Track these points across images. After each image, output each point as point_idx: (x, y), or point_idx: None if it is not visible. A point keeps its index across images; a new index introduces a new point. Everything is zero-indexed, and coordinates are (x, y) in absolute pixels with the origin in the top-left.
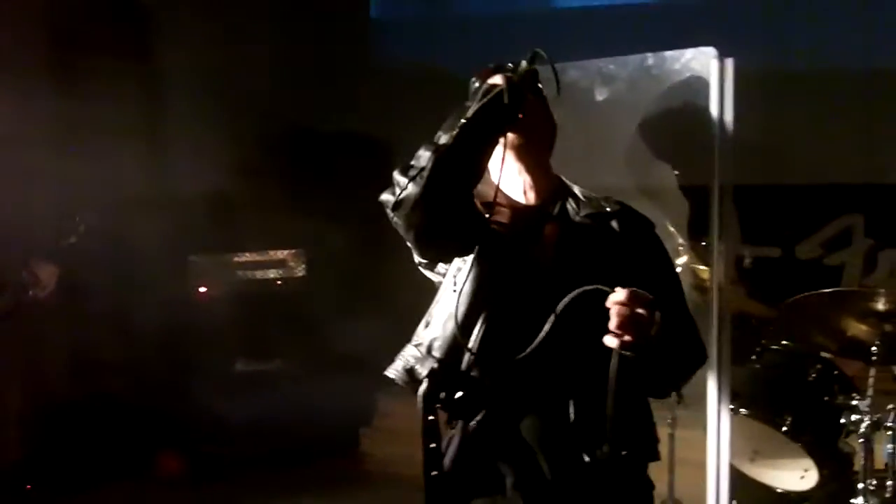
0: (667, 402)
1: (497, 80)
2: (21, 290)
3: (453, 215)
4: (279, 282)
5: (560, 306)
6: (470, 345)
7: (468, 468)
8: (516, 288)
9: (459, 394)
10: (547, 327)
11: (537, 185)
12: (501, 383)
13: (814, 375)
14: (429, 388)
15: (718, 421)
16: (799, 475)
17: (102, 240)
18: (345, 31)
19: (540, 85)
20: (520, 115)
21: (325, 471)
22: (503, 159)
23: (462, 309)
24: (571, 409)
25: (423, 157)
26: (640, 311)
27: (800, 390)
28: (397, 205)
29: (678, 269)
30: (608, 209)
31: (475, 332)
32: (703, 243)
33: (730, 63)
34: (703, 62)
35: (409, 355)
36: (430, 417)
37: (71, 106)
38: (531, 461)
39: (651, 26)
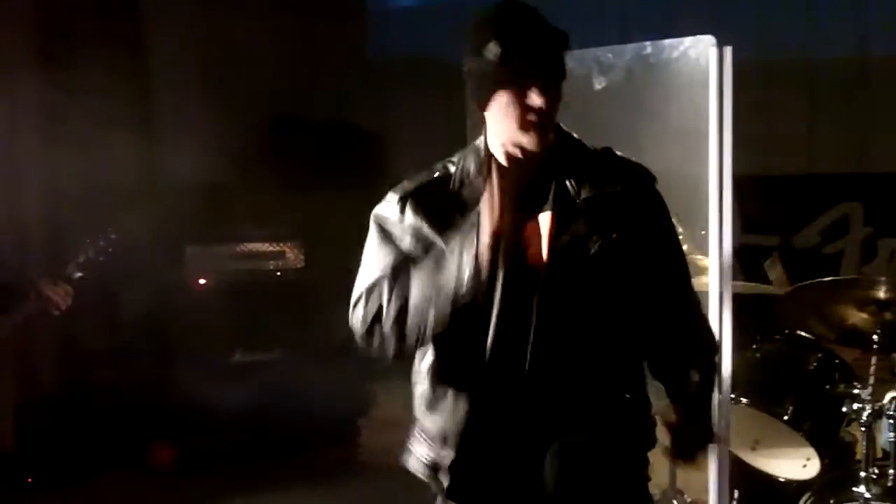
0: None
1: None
2: (32, 309)
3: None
4: (278, 273)
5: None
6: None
7: None
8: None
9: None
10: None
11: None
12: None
13: (814, 364)
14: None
15: (719, 411)
16: (801, 464)
17: (102, 239)
18: (340, 21)
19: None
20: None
21: (324, 461)
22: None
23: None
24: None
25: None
26: None
27: (801, 379)
28: (369, 343)
29: None
30: (610, 189)
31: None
32: (703, 232)
33: (728, 51)
34: (701, 51)
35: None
36: None
37: (66, 97)
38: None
39: (649, 14)
